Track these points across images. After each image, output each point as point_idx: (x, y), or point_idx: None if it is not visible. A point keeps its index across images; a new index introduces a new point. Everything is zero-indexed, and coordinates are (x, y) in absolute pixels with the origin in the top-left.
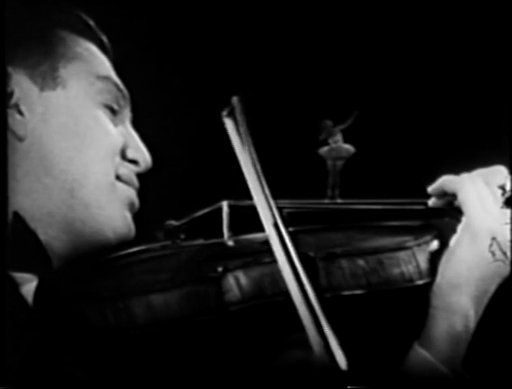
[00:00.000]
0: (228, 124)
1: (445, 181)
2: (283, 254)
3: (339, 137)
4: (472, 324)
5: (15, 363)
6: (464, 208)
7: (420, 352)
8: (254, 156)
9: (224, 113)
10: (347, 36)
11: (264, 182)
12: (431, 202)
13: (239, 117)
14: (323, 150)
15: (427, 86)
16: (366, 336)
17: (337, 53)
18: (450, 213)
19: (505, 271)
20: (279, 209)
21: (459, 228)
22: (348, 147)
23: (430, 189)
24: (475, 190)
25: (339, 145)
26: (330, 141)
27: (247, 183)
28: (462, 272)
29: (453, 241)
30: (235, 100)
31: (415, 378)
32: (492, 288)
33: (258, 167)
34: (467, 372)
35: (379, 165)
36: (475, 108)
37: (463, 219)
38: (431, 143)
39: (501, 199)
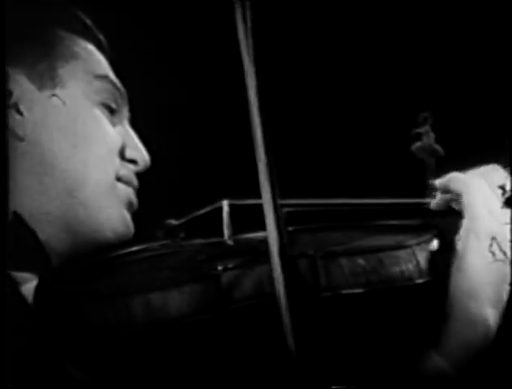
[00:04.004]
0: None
1: (453, 179)
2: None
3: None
4: (492, 332)
5: (15, 362)
6: (469, 210)
7: (437, 361)
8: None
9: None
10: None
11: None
12: (435, 199)
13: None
14: (417, 146)
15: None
16: (366, 335)
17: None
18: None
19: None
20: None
21: (462, 232)
22: (438, 146)
23: (437, 183)
24: (482, 193)
25: (430, 142)
26: (424, 137)
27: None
28: (477, 279)
29: (459, 246)
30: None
31: (430, 386)
32: (506, 290)
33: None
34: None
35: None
36: (475, 108)
37: (465, 222)
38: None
39: (501, 199)
